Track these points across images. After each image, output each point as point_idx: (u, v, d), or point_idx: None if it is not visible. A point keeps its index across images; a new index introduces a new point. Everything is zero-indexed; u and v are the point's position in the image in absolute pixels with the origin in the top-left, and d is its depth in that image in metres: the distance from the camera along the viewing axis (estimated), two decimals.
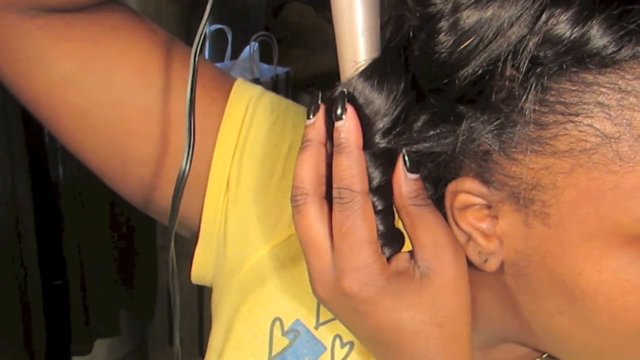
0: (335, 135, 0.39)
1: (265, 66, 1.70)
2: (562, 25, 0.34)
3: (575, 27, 0.34)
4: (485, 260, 0.41)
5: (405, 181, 0.40)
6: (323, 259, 0.40)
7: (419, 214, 0.40)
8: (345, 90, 0.39)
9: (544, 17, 0.34)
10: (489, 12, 0.35)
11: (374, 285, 0.39)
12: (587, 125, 0.35)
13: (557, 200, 0.37)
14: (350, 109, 0.39)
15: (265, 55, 1.71)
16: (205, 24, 0.45)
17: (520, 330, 0.43)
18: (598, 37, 0.33)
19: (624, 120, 0.34)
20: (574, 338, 0.41)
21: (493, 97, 0.36)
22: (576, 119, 0.35)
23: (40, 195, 1.53)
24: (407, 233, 0.41)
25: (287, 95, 1.71)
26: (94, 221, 1.66)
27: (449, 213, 0.41)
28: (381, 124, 0.40)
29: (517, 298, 0.42)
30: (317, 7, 2.02)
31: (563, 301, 0.39)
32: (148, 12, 1.57)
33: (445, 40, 0.36)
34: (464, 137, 0.38)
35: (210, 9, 0.45)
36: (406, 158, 0.40)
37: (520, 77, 0.35)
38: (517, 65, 0.35)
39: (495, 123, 0.37)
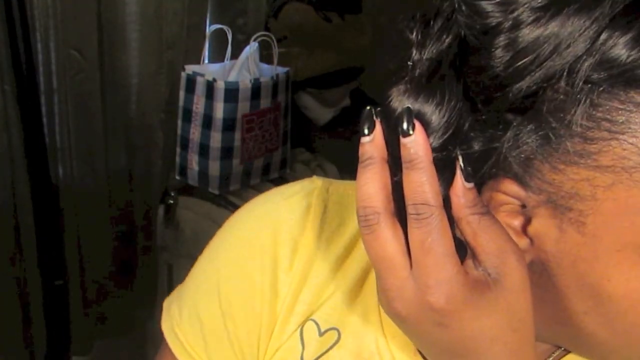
0: (404, 151, 0.39)
1: (265, 66, 1.69)
2: (620, 48, 0.35)
3: (632, 51, 0.35)
4: None
5: (463, 191, 0.40)
6: (400, 275, 0.40)
7: (480, 222, 0.40)
8: (409, 105, 0.40)
9: (602, 38, 0.35)
10: (548, 31, 0.36)
11: (460, 297, 0.39)
12: (631, 144, 0.36)
13: (595, 212, 0.38)
14: (417, 123, 0.39)
15: (265, 55, 1.71)
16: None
17: (542, 327, 0.44)
18: None
19: None
20: (595, 336, 0.42)
21: (543, 109, 0.38)
22: (621, 137, 0.36)
23: (40, 195, 1.53)
24: (468, 242, 0.41)
25: (287, 95, 1.71)
26: (93, 221, 1.66)
27: None
28: (434, 134, 0.40)
29: (542, 295, 0.43)
30: (317, 7, 2.02)
31: (589, 303, 0.41)
32: (148, 12, 1.57)
33: (502, 55, 0.37)
34: (509, 143, 0.39)
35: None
36: (463, 167, 0.40)
37: (573, 93, 0.36)
38: (570, 83, 0.36)
39: (541, 133, 0.38)
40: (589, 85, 0.36)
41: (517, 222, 0.42)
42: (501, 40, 0.37)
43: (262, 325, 0.53)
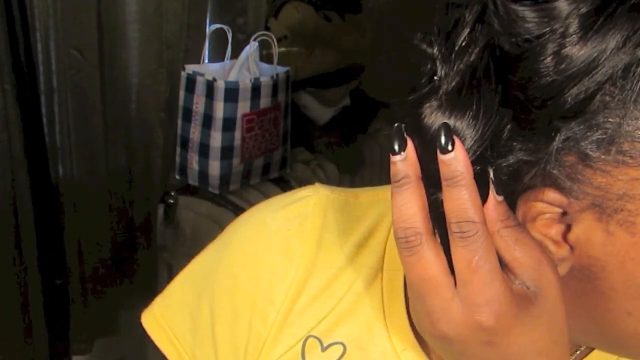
0: (444, 169, 0.39)
1: (265, 66, 1.70)
2: None
3: None
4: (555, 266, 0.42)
5: (495, 204, 0.40)
6: (445, 296, 0.40)
7: (514, 235, 0.40)
8: (446, 122, 0.39)
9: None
10: (599, 38, 0.36)
11: (510, 314, 0.39)
12: None
13: None
14: (457, 139, 0.39)
15: (265, 55, 1.71)
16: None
17: (578, 331, 0.45)
18: None
19: None
20: (636, 335, 0.42)
21: (594, 112, 0.38)
22: None
23: (40, 195, 1.53)
24: (503, 256, 0.40)
25: (287, 95, 1.71)
26: (93, 221, 1.66)
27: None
28: (470, 149, 0.40)
29: (582, 301, 0.43)
30: (317, 7, 2.02)
31: (635, 303, 0.41)
32: (148, 12, 1.57)
33: (552, 64, 0.37)
34: (556, 151, 0.39)
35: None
36: (494, 180, 0.40)
37: (625, 95, 0.37)
38: (621, 85, 0.37)
39: (591, 137, 0.38)
40: None
41: (555, 231, 0.41)
42: (550, 48, 0.37)
43: (251, 333, 0.53)
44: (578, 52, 0.36)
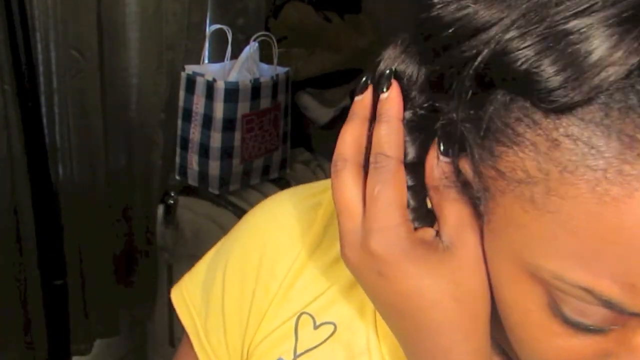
0: (378, 107, 0.43)
1: (265, 66, 1.70)
2: (516, 51, 0.34)
3: (527, 60, 0.33)
4: None
5: (437, 163, 0.41)
6: (354, 221, 0.42)
7: (447, 193, 0.41)
8: (393, 68, 0.42)
9: (510, 34, 0.34)
10: (473, 8, 0.36)
11: (399, 247, 0.40)
12: (520, 158, 0.35)
13: (495, 212, 0.38)
14: (394, 83, 0.42)
15: (265, 55, 1.71)
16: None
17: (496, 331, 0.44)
18: (546, 78, 0.33)
19: (545, 168, 0.34)
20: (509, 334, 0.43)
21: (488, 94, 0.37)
22: (516, 148, 0.35)
23: (40, 195, 1.53)
24: (435, 211, 0.42)
25: (287, 96, 1.71)
26: (93, 221, 1.66)
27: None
28: (413, 92, 0.42)
29: None
30: (317, 7, 2.02)
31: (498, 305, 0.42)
32: (148, 12, 1.58)
33: (447, 19, 0.37)
34: (445, 119, 0.40)
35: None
36: (441, 141, 0.41)
37: (493, 89, 0.36)
38: (483, 74, 0.36)
39: (469, 119, 0.38)
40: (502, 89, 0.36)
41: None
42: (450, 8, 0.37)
43: (253, 304, 0.54)
44: (458, 17, 0.36)
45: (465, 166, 0.40)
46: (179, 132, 1.64)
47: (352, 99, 0.45)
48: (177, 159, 1.67)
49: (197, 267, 0.60)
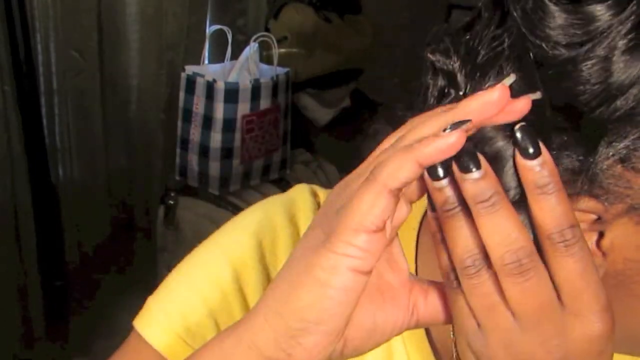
0: (531, 176, 0.34)
1: (265, 66, 1.69)
2: None
3: None
4: None
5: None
6: (558, 317, 0.36)
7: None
8: (523, 123, 0.34)
9: None
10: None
11: (613, 317, 0.37)
12: None
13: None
14: (542, 146, 0.34)
15: (265, 56, 1.71)
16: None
17: None
18: None
19: None
20: None
21: (635, 113, 0.36)
22: None
23: (40, 195, 1.53)
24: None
25: (287, 96, 1.71)
26: (93, 221, 1.66)
27: None
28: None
29: (615, 308, 0.41)
30: (317, 7, 2.02)
31: None
32: (148, 12, 1.58)
33: (598, 74, 0.36)
34: (599, 157, 0.37)
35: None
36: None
37: None
38: None
39: (632, 137, 0.36)
40: None
41: (589, 240, 0.39)
42: (598, 57, 0.35)
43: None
44: (626, 64, 0.35)
45: (586, 203, 0.38)
46: (179, 132, 1.64)
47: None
48: (177, 159, 1.67)
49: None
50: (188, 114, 1.61)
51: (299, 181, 0.61)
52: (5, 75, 1.40)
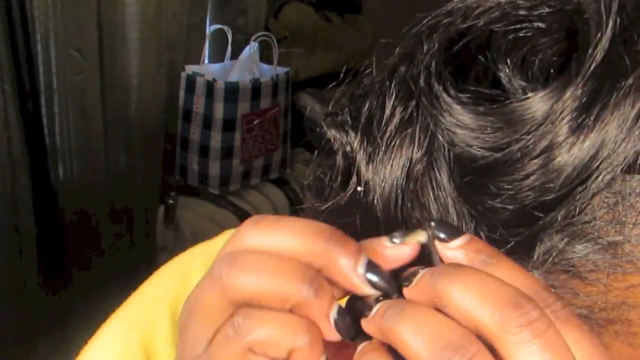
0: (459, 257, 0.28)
1: (265, 66, 1.70)
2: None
3: None
4: None
5: None
6: None
7: None
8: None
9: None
10: (587, 143, 0.29)
11: None
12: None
13: None
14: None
15: (265, 56, 1.71)
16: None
17: None
18: None
19: None
20: None
21: (584, 223, 0.31)
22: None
23: (40, 195, 1.53)
24: None
25: (287, 96, 1.71)
26: (93, 221, 1.66)
27: None
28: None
29: None
30: (317, 7, 2.02)
31: None
32: (148, 12, 1.57)
33: (535, 180, 0.30)
34: (537, 260, 0.31)
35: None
36: None
37: (621, 199, 0.30)
38: (614, 189, 0.30)
39: (581, 247, 0.31)
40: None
41: None
42: (534, 158, 0.29)
43: None
44: (569, 158, 0.29)
45: None
46: (179, 132, 1.64)
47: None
48: (177, 159, 1.68)
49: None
50: (188, 114, 1.62)
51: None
52: (5, 75, 1.39)
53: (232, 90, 1.55)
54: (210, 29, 1.70)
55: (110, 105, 1.61)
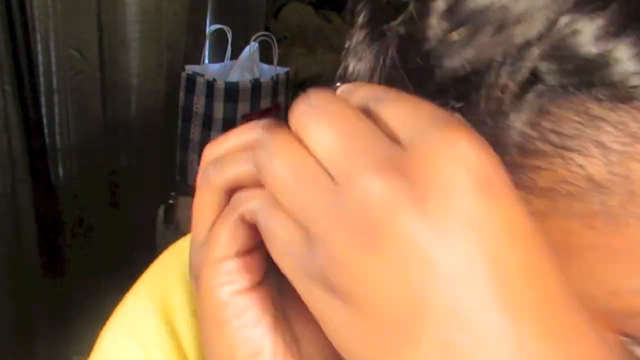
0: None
1: (265, 66, 1.70)
2: (582, 37, 0.26)
3: (597, 43, 0.26)
4: None
5: None
6: None
7: None
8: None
9: (561, 22, 0.26)
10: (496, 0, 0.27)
11: None
12: (578, 165, 0.27)
13: None
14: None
15: (265, 55, 1.71)
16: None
17: None
18: (622, 61, 0.26)
19: (622, 170, 0.27)
20: None
21: (480, 105, 0.28)
22: (568, 154, 0.27)
23: (40, 195, 1.53)
24: None
25: (287, 95, 1.71)
26: (93, 222, 1.66)
27: None
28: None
29: None
30: (317, 7, 2.02)
31: None
32: (148, 12, 1.58)
33: (437, 25, 0.29)
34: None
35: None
36: None
37: (516, 90, 0.27)
38: (514, 73, 0.27)
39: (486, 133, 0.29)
40: (539, 86, 0.27)
41: None
42: (439, 4, 0.29)
43: None
44: (468, 13, 0.28)
45: None
46: (179, 132, 1.64)
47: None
48: (177, 159, 1.68)
49: None
50: (188, 114, 1.62)
51: None
52: (5, 75, 1.40)
53: (232, 90, 1.55)
54: (210, 29, 1.70)
55: (110, 105, 1.61)
